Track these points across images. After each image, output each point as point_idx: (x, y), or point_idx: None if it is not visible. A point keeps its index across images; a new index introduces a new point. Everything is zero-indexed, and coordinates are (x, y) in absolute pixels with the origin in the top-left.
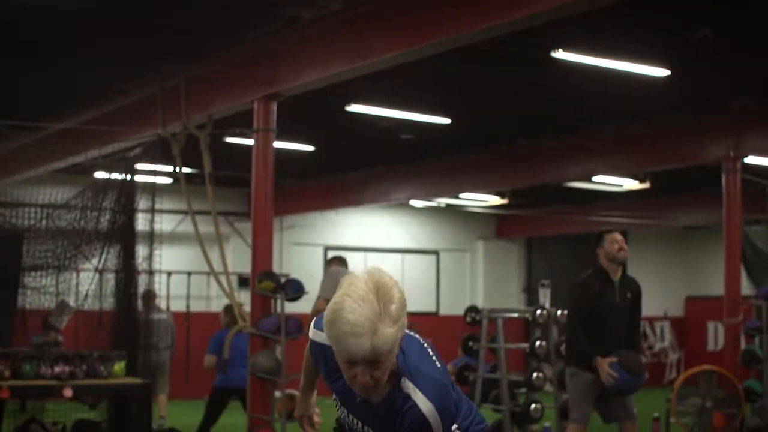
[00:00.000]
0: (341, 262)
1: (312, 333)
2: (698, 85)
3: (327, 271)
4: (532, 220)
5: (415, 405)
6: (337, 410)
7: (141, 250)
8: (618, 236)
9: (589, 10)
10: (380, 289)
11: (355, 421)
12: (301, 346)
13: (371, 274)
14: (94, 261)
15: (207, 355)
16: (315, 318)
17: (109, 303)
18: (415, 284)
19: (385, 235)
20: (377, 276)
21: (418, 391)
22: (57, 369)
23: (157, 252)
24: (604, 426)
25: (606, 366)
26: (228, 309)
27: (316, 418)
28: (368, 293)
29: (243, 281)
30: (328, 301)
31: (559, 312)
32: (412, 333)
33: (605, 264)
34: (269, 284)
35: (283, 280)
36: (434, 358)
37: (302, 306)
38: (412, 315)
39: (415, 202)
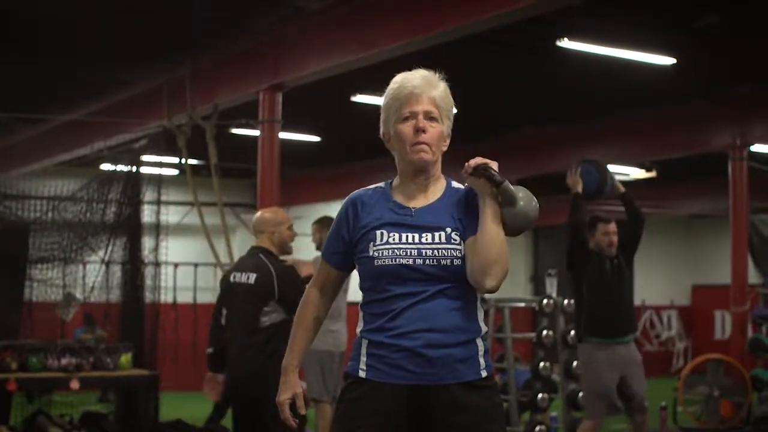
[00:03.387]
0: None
1: (348, 197)
2: (704, 73)
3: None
4: (539, 209)
5: (464, 189)
6: (380, 252)
7: (147, 242)
8: (611, 227)
9: None
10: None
11: (395, 236)
12: None
13: None
14: (101, 253)
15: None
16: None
17: (115, 295)
18: None
19: None
20: None
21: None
22: (64, 361)
23: (163, 244)
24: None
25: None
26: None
27: (299, 402)
28: (420, 70)
29: None
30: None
31: (566, 301)
32: None
33: (594, 248)
34: None
35: None
36: None
37: None
38: None
39: None
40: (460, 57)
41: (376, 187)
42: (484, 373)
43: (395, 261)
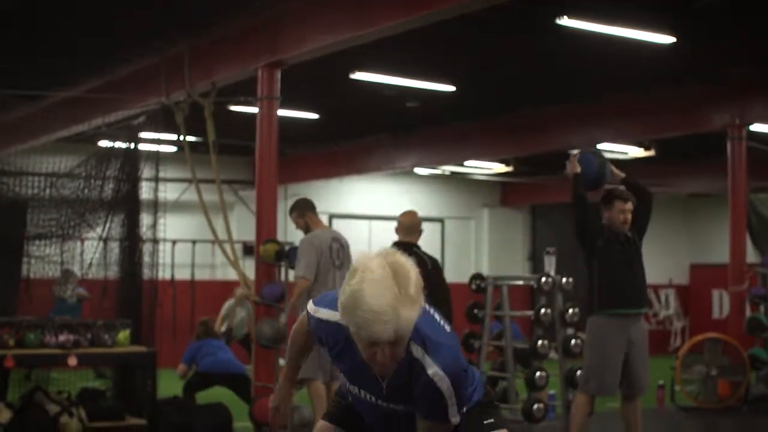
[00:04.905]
0: (307, 206)
1: (313, 310)
2: (704, 52)
3: (302, 241)
4: (537, 188)
5: (424, 372)
6: (344, 386)
7: (145, 219)
8: (628, 206)
9: None
10: (398, 272)
11: (367, 395)
12: None
13: (386, 256)
14: (99, 230)
15: (180, 365)
16: (309, 298)
17: (113, 272)
18: None
19: (389, 203)
20: (392, 258)
21: (428, 357)
22: (61, 338)
23: (161, 221)
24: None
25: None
26: (202, 322)
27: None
28: (387, 279)
29: (247, 249)
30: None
31: (564, 280)
32: None
33: (607, 224)
34: (273, 246)
35: (287, 247)
36: (441, 323)
37: None
38: None
39: (420, 170)
40: (458, 35)
41: (339, 327)
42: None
43: (363, 404)
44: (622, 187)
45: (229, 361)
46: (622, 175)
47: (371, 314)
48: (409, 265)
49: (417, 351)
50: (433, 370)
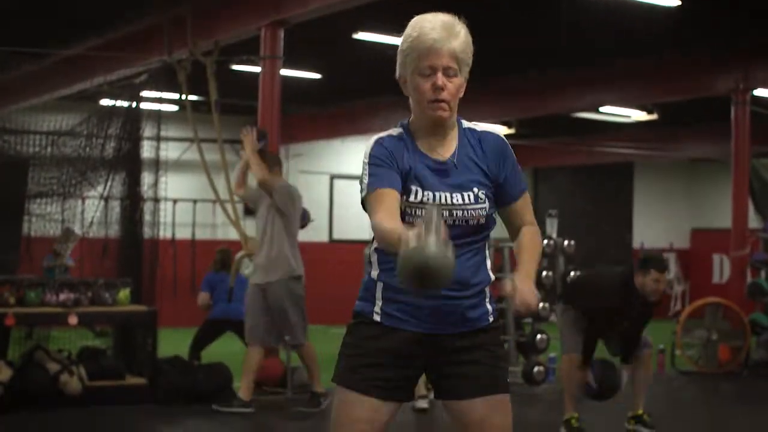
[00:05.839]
0: (276, 161)
1: (375, 140)
2: (708, 16)
3: (294, 189)
4: (540, 151)
5: (488, 131)
6: (412, 210)
7: (146, 178)
8: (664, 277)
9: None
10: (451, 16)
11: (441, 197)
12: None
13: None
14: (100, 188)
15: (201, 293)
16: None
17: (114, 230)
18: None
19: None
20: None
21: (474, 126)
22: (62, 296)
23: (162, 180)
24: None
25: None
26: (221, 250)
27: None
28: (443, 14)
29: (248, 209)
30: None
31: (566, 242)
32: None
33: (638, 286)
34: None
35: None
36: None
37: (309, 234)
38: None
39: None
40: None
41: (396, 134)
42: (491, 318)
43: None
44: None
45: (239, 309)
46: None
47: (430, 24)
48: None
49: (471, 125)
50: (492, 131)
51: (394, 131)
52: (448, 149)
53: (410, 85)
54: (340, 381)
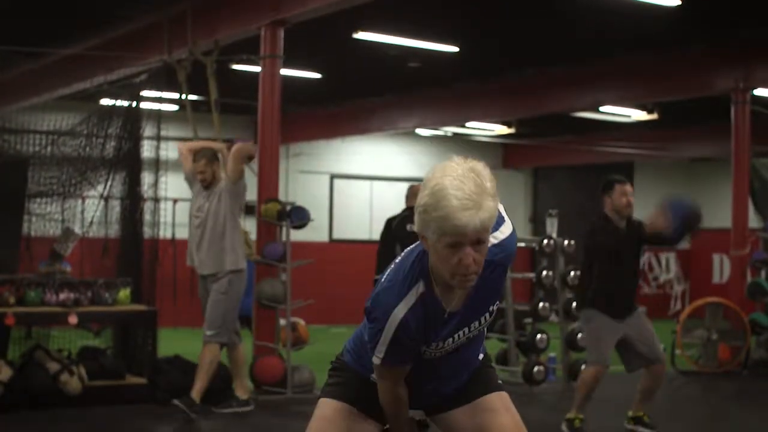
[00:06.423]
0: (216, 156)
1: (393, 319)
2: (708, 15)
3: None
4: (539, 150)
5: (503, 250)
6: (431, 353)
7: (146, 178)
8: (628, 188)
9: None
10: (475, 169)
11: (459, 335)
12: (305, 272)
13: (460, 158)
14: (100, 188)
15: None
16: (372, 300)
17: (114, 230)
18: None
19: (391, 163)
20: (466, 158)
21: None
22: (62, 296)
23: (162, 179)
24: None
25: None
26: None
27: None
28: (467, 172)
29: (249, 209)
30: None
31: (566, 242)
32: None
33: (610, 213)
34: (275, 206)
35: (288, 207)
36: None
37: (308, 234)
38: None
39: (422, 131)
40: None
41: (419, 298)
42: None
43: (441, 354)
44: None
45: (248, 304)
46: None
47: (456, 201)
48: (483, 165)
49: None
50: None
51: (415, 295)
52: (469, 291)
53: (432, 248)
54: (320, 395)
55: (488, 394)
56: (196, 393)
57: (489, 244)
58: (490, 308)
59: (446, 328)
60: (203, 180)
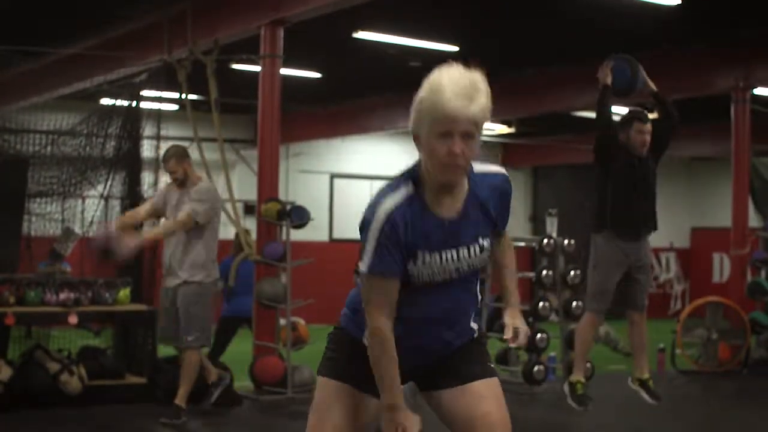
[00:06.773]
0: (186, 154)
1: (381, 209)
2: (708, 15)
3: (209, 189)
4: (539, 149)
5: (495, 173)
6: (418, 272)
7: (146, 177)
8: (647, 127)
9: None
10: (474, 75)
11: (448, 256)
12: (305, 271)
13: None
14: (100, 187)
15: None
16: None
17: None
18: None
19: (391, 163)
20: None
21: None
22: (62, 296)
23: (162, 179)
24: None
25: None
26: (238, 235)
27: None
28: (463, 72)
29: (249, 208)
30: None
31: (566, 241)
32: None
33: (624, 145)
34: (275, 205)
35: (288, 207)
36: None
37: (308, 234)
38: None
39: None
40: None
41: (407, 197)
42: (474, 336)
43: (432, 278)
44: (639, 109)
45: (249, 304)
46: (655, 88)
47: (450, 87)
48: (482, 77)
49: (476, 167)
50: (500, 169)
51: (404, 192)
52: (457, 203)
53: (424, 144)
54: (319, 372)
55: (481, 380)
56: (180, 399)
57: (479, 173)
58: (481, 241)
59: (434, 235)
60: (175, 180)
